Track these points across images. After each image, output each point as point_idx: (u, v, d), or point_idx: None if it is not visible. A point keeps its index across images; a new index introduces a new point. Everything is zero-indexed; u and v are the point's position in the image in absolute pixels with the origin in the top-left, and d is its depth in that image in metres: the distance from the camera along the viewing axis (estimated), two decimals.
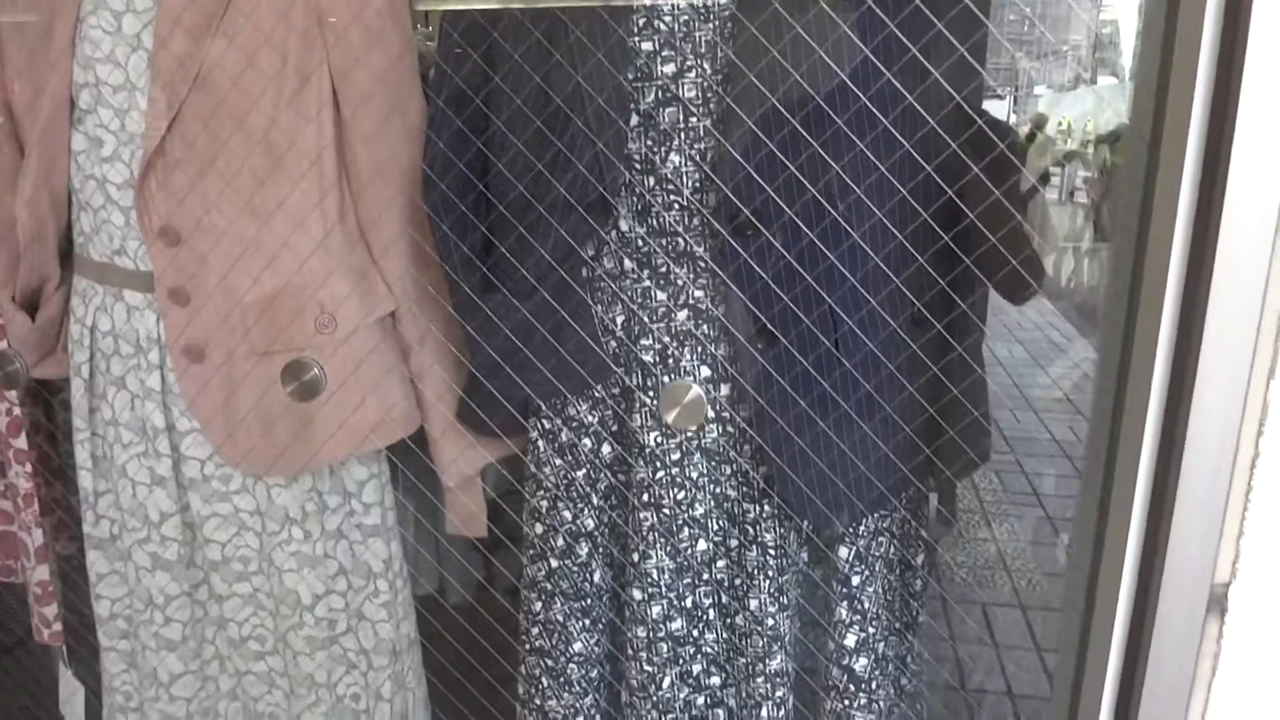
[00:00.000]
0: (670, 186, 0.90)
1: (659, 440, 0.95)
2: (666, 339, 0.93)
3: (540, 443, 1.02)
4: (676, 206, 0.90)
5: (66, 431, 1.22)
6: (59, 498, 1.28)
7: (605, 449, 1.01)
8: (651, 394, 0.95)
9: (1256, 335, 0.60)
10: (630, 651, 1.00)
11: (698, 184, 0.89)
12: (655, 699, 1.00)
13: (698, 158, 0.88)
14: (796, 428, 0.90)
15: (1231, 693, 0.64)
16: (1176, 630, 0.63)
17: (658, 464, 0.95)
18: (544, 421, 1.01)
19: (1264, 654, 0.63)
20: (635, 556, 0.98)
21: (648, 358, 0.94)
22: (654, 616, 0.98)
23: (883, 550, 0.95)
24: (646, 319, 0.94)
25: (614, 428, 1.00)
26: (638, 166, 0.89)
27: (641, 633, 0.99)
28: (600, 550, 1.03)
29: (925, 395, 0.95)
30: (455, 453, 1.10)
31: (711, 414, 0.94)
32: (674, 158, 0.89)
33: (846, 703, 0.96)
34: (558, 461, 1.01)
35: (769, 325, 0.88)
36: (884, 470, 0.92)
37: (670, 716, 1.01)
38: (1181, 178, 0.61)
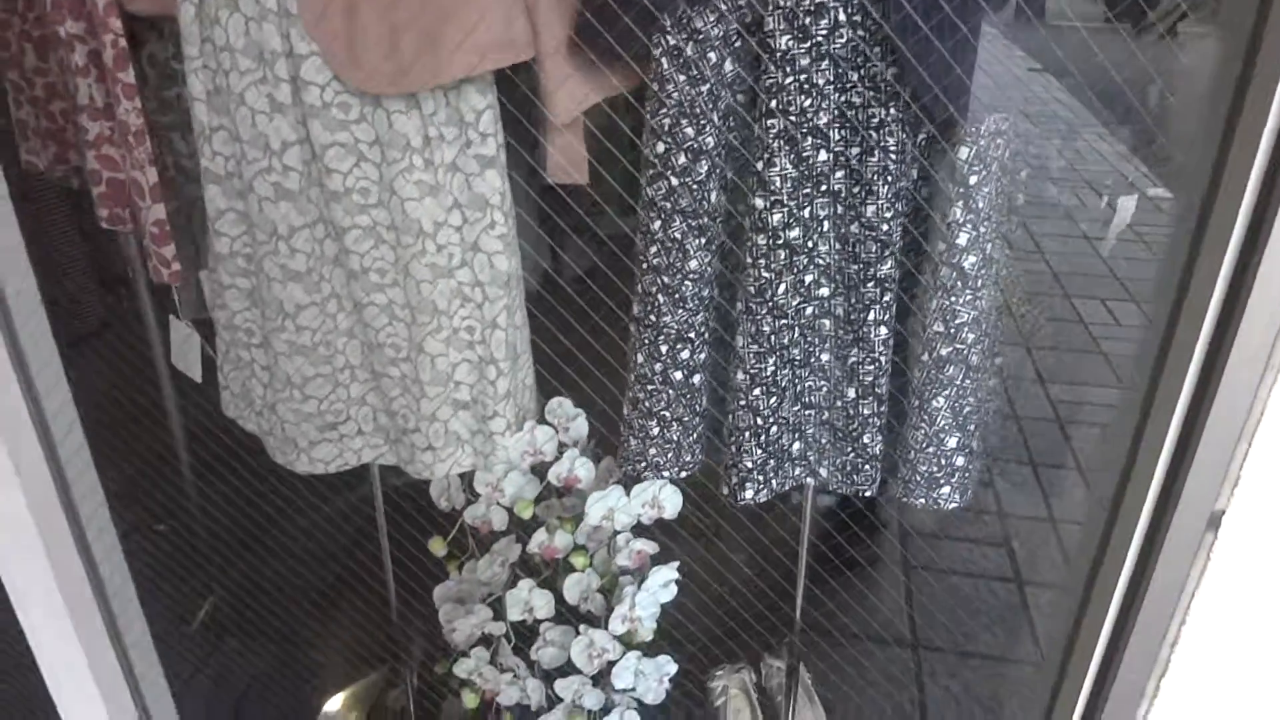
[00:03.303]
0: None
1: (789, 44, 0.98)
2: None
3: (664, 60, 1.04)
4: None
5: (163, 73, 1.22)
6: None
7: (727, 65, 1.03)
8: None
9: None
10: (749, 259, 1.07)
11: None
12: (771, 304, 1.08)
13: None
14: (934, 26, 0.92)
15: None
16: None
17: (787, 69, 0.98)
18: (668, 37, 1.03)
19: None
20: (759, 165, 1.03)
21: None
22: (774, 224, 1.04)
23: (999, 152, 1.01)
24: None
25: (737, 43, 1.02)
26: None
27: (761, 240, 1.05)
28: (717, 169, 1.08)
29: None
30: (566, 86, 1.12)
31: (843, 17, 0.97)
32: None
33: (953, 299, 1.04)
34: (681, 78, 1.03)
35: None
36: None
37: (783, 322, 1.09)
38: None
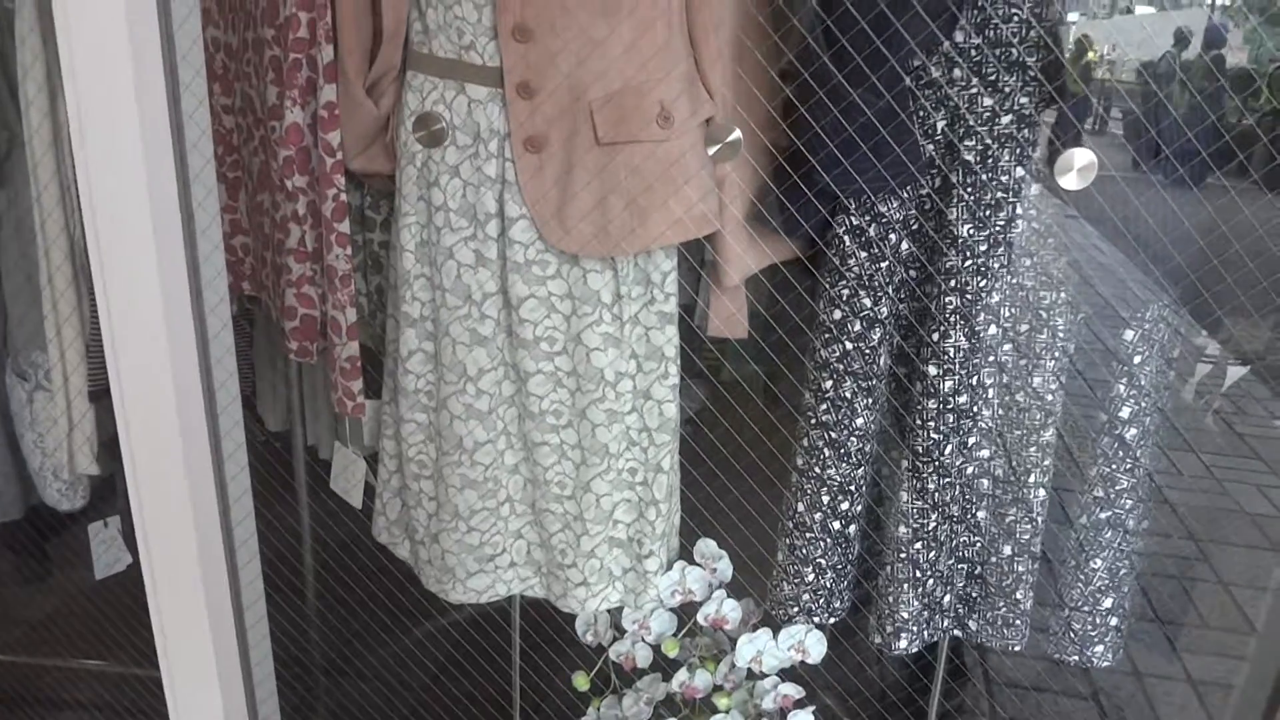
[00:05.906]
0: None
1: (971, 232, 1.08)
2: (989, 141, 1.06)
3: (846, 237, 1.15)
4: (1015, 19, 1.02)
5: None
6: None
7: (904, 245, 1.14)
8: (970, 189, 1.08)
9: None
10: (918, 421, 1.15)
11: None
12: (937, 463, 1.15)
13: None
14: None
15: None
16: None
17: (967, 253, 1.09)
18: (852, 218, 1.14)
19: None
20: (935, 336, 1.12)
21: (969, 157, 1.07)
22: (945, 390, 1.13)
23: (1160, 335, 1.10)
24: (972, 122, 1.06)
25: (914, 226, 1.13)
26: None
27: (932, 405, 1.13)
28: (888, 336, 1.17)
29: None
30: (742, 254, 1.23)
31: (1021, 210, 1.08)
32: None
33: (1114, 467, 1.12)
34: (862, 254, 1.14)
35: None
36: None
37: (946, 480, 1.16)
38: None
